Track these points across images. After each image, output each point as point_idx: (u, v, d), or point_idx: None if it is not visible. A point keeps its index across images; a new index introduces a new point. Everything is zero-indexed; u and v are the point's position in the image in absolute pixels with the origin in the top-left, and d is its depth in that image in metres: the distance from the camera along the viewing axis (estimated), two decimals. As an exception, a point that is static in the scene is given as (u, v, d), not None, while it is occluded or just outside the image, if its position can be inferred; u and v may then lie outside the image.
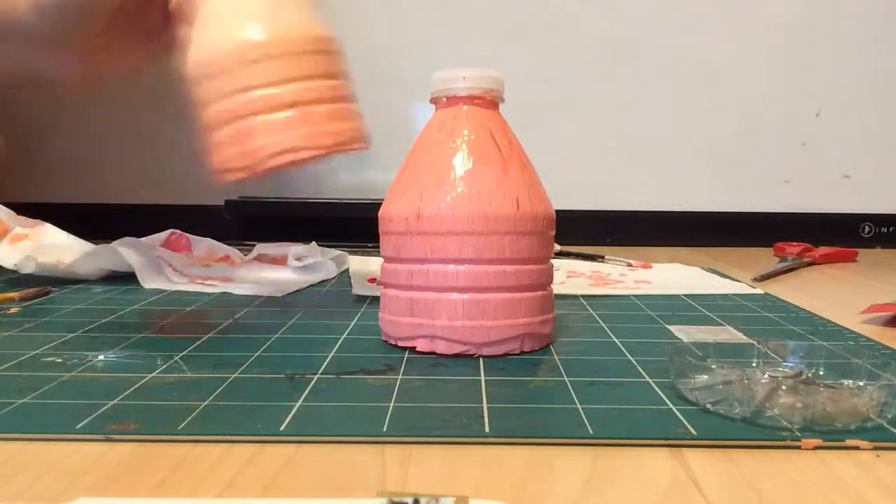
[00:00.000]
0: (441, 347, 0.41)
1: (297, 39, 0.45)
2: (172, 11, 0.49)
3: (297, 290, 0.61)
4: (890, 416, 0.31)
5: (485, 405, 0.33)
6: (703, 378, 0.34)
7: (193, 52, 0.45)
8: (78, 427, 0.29)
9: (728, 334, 0.47)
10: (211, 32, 0.45)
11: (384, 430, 0.30)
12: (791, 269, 0.81)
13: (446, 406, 0.33)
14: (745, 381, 0.33)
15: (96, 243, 0.64)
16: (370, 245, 0.79)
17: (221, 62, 0.44)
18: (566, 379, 0.37)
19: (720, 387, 0.33)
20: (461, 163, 0.41)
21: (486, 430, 0.30)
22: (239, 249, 0.75)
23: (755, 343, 0.40)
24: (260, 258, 0.71)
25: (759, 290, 0.64)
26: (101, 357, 0.40)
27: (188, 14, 0.47)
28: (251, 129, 0.44)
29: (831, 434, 0.29)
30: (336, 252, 0.74)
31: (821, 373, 0.36)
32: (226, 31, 0.45)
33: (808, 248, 0.90)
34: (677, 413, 0.32)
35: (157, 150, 1.08)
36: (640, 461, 0.28)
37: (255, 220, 1.07)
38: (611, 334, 0.47)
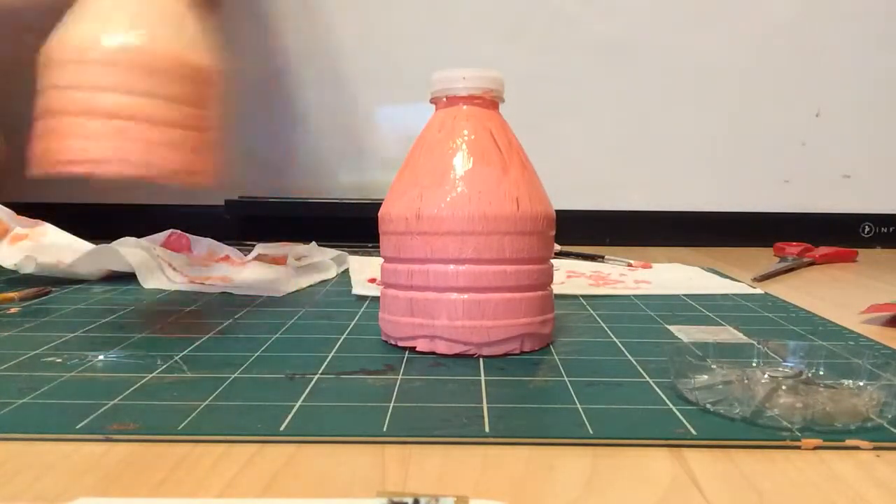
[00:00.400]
0: (441, 347, 0.41)
1: (156, 56, 0.43)
2: None
3: (297, 290, 0.61)
4: (890, 416, 0.31)
5: (485, 405, 0.33)
6: (703, 378, 0.34)
7: (52, 37, 0.44)
8: (78, 427, 0.29)
9: (728, 334, 0.47)
10: (76, 24, 0.44)
11: (384, 430, 0.30)
12: (791, 269, 0.81)
13: (446, 406, 0.33)
14: (745, 381, 0.33)
15: (96, 243, 0.64)
16: (370, 245, 0.79)
17: (64, 53, 0.43)
18: (566, 379, 0.37)
19: (720, 387, 0.33)
20: (461, 163, 0.41)
21: (486, 430, 0.30)
22: (239, 249, 0.74)
23: (755, 343, 0.40)
24: (260, 258, 0.71)
25: (759, 290, 0.64)
26: (101, 357, 0.40)
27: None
28: (59, 128, 0.42)
29: (831, 434, 0.29)
30: (336, 252, 0.74)
31: (821, 373, 0.36)
32: (88, 26, 0.43)
33: (808, 248, 0.90)
34: (677, 413, 0.32)
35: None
36: (640, 461, 0.28)
37: (255, 220, 1.07)
38: (611, 334, 0.47)
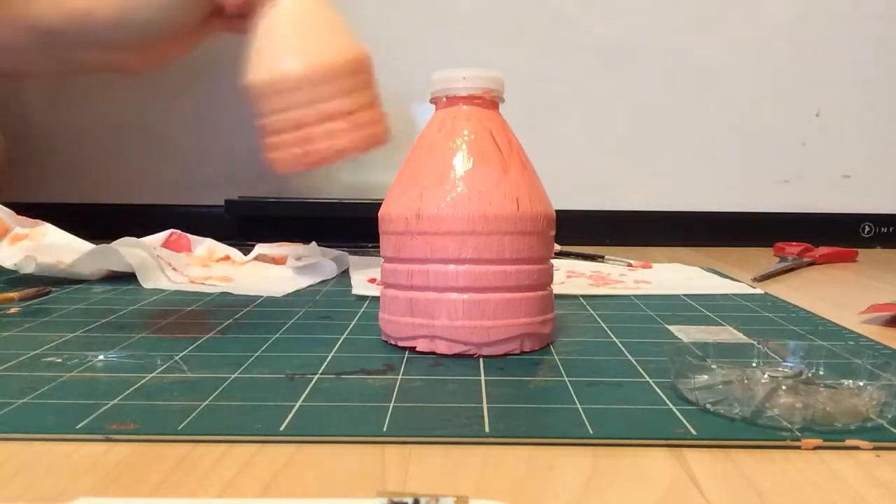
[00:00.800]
0: (441, 347, 0.41)
1: (330, 66, 0.58)
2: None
3: (297, 290, 0.61)
4: (890, 416, 0.31)
5: (485, 405, 0.33)
6: (703, 378, 0.34)
7: (247, 74, 0.60)
8: (78, 427, 0.29)
9: (728, 334, 0.47)
10: (260, 61, 0.59)
11: (384, 430, 0.30)
12: (791, 269, 0.81)
13: (446, 406, 0.33)
14: (745, 381, 0.33)
15: (96, 243, 0.64)
16: (370, 245, 0.79)
17: (267, 88, 0.59)
18: (566, 379, 0.37)
19: (720, 387, 0.33)
20: (461, 163, 0.41)
21: (486, 430, 0.30)
22: (239, 249, 0.74)
23: (755, 343, 0.40)
24: (260, 258, 0.71)
25: (759, 290, 0.64)
26: (101, 357, 0.40)
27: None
28: (312, 135, 0.59)
29: (831, 434, 0.29)
30: (336, 252, 0.74)
31: (821, 373, 0.36)
32: (272, 60, 0.59)
33: (808, 248, 0.90)
34: (677, 413, 0.32)
35: (158, 150, 1.08)
36: (640, 461, 0.28)
37: (255, 220, 1.07)
38: (611, 334, 0.47)
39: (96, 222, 0.87)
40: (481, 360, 0.40)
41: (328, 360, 0.40)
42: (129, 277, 0.63)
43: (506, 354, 0.41)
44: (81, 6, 0.62)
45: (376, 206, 0.44)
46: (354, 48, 0.61)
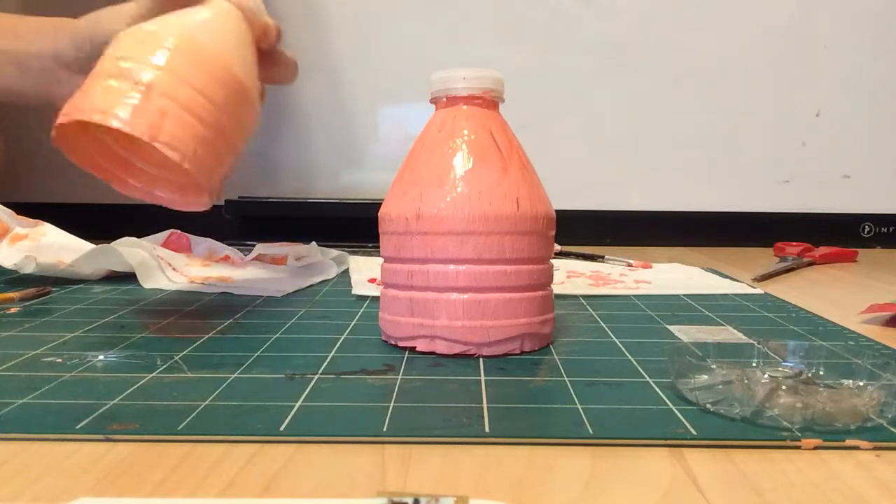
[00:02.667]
0: (441, 347, 0.41)
1: (212, 57, 0.46)
2: None
3: (297, 290, 0.61)
4: (890, 416, 0.31)
5: (485, 405, 0.33)
6: (703, 378, 0.34)
7: (141, 24, 0.48)
8: (78, 427, 0.29)
9: (728, 334, 0.47)
10: (158, 22, 0.47)
11: (384, 430, 0.30)
12: (791, 269, 0.81)
13: (446, 406, 0.33)
14: (745, 381, 0.33)
15: (96, 243, 0.64)
16: (370, 245, 0.79)
17: (130, 31, 0.46)
18: (566, 379, 0.37)
19: (720, 387, 0.33)
20: (461, 163, 0.41)
21: (486, 430, 0.30)
22: (239, 249, 0.75)
23: (755, 343, 0.40)
24: (260, 258, 0.71)
25: (759, 290, 0.64)
26: (101, 357, 0.40)
27: None
28: (95, 85, 0.44)
29: (831, 434, 0.29)
30: (336, 252, 0.74)
31: (821, 373, 0.36)
32: (160, 21, 0.47)
33: (808, 248, 0.90)
34: (677, 413, 0.32)
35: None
36: (640, 461, 0.28)
37: (255, 220, 1.07)
38: (611, 334, 0.47)
39: (96, 222, 0.87)
40: (481, 360, 0.40)
41: (328, 360, 0.40)
42: (129, 277, 0.63)
43: (506, 354, 0.41)
44: None
45: (376, 206, 0.44)
46: (246, 76, 0.48)
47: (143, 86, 0.43)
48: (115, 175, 0.53)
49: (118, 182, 0.53)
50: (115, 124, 0.42)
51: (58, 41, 0.58)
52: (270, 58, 0.55)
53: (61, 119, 0.44)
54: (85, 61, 0.54)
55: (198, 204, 0.50)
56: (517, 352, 0.41)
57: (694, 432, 0.29)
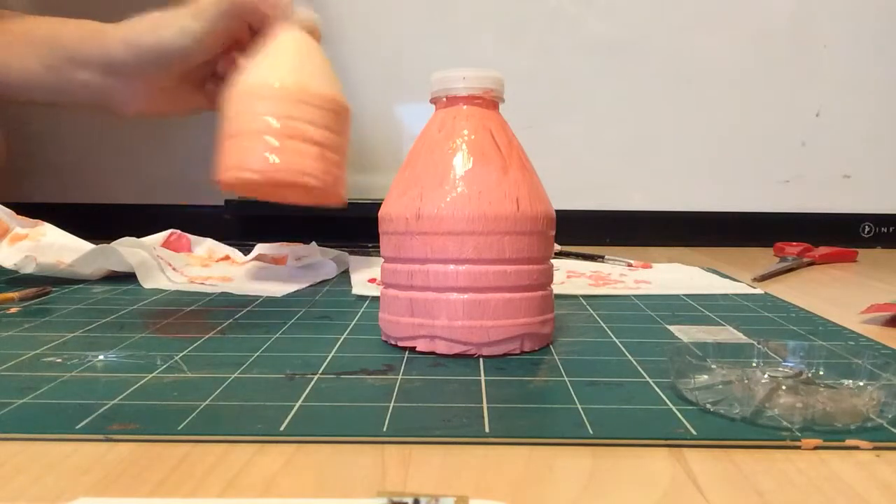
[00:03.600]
0: (441, 347, 0.41)
1: (314, 93, 0.54)
2: (229, 67, 0.61)
3: (297, 290, 0.61)
4: (890, 416, 0.31)
5: (485, 405, 0.33)
6: (703, 378, 0.34)
7: (233, 80, 0.56)
8: (78, 427, 0.29)
9: (728, 334, 0.47)
10: (253, 70, 0.55)
11: (384, 430, 0.30)
12: (791, 269, 0.81)
13: (446, 406, 0.33)
14: (745, 381, 0.33)
15: (96, 243, 0.64)
16: (370, 245, 0.79)
17: (244, 90, 0.54)
18: (566, 379, 0.37)
19: (720, 387, 0.33)
20: (461, 163, 0.41)
21: (486, 430, 0.30)
22: (239, 249, 0.75)
23: (755, 343, 0.40)
24: (260, 258, 0.71)
25: (759, 290, 0.64)
26: (101, 357, 0.40)
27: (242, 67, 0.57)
28: (243, 143, 0.53)
29: (831, 434, 0.29)
30: (336, 252, 0.74)
31: (821, 373, 0.36)
32: (263, 72, 0.55)
33: (808, 248, 0.90)
34: (677, 413, 0.32)
35: (158, 150, 1.08)
36: (640, 461, 0.28)
37: (255, 220, 1.07)
38: (611, 334, 0.47)
39: (96, 222, 0.87)
40: (481, 360, 0.40)
41: (328, 360, 0.40)
42: (129, 277, 0.63)
43: (506, 354, 0.41)
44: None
45: (376, 206, 0.44)
46: (341, 95, 0.58)
47: (277, 138, 0.52)
48: (272, 194, 0.60)
49: (274, 197, 0.61)
50: (269, 173, 0.52)
51: (107, 48, 0.59)
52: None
53: (227, 176, 0.54)
54: (140, 69, 0.59)
55: (336, 204, 0.59)
56: (517, 352, 0.41)
57: (694, 432, 0.29)
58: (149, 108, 0.65)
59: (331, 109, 0.55)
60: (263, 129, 0.52)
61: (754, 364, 0.38)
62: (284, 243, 0.74)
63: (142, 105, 0.65)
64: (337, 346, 0.43)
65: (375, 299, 0.53)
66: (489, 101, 0.44)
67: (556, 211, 0.44)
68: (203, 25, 0.57)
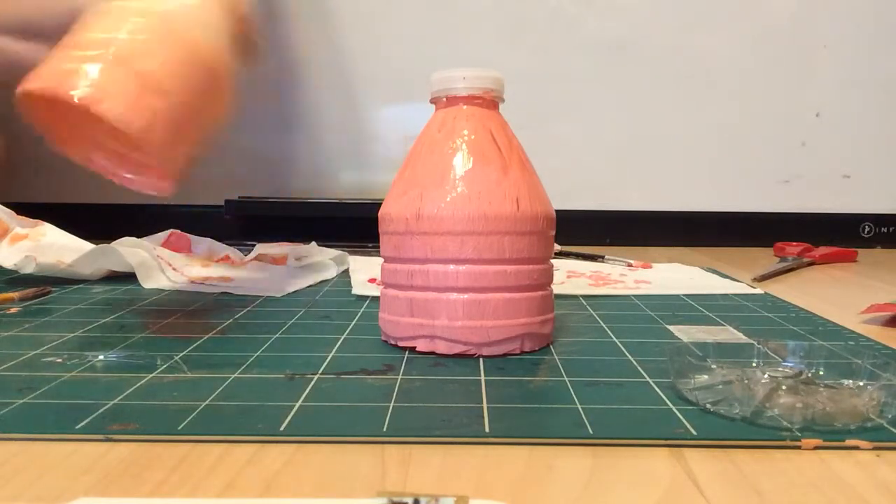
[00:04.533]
0: (441, 347, 0.41)
1: (173, 34, 0.45)
2: None
3: (296, 290, 0.61)
4: (890, 416, 0.31)
5: (485, 405, 0.33)
6: (703, 378, 0.34)
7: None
8: (78, 427, 0.29)
9: (728, 334, 0.47)
10: None
11: (384, 430, 0.30)
12: (791, 269, 0.81)
13: (446, 406, 0.33)
14: (745, 381, 0.33)
15: (96, 243, 0.64)
16: (370, 245, 0.79)
17: (95, 8, 0.45)
18: (566, 379, 0.37)
19: (720, 387, 0.33)
20: (461, 163, 0.41)
21: (486, 430, 0.30)
22: (239, 249, 0.74)
23: (755, 343, 0.40)
24: (260, 258, 0.71)
25: (759, 290, 0.64)
26: (101, 357, 0.40)
27: None
28: (62, 54, 0.44)
29: (831, 434, 0.29)
30: (336, 252, 0.74)
31: (821, 373, 0.36)
32: None
33: (808, 248, 0.90)
34: (677, 413, 0.32)
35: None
36: (640, 461, 0.28)
37: (255, 220, 1.07)
38: (611, 334, 0.47)
39: (96, 222, 0.87)
40: (481, 360, 0.40)
41: (328, 360, 0.40)
42: (129, 277, 0.63)
43: (506, 354, 0.41)
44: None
45: (376, 206, 0.44)
46: (222, 64, 0.48)
47: (106, 55, 0.42)
48: (80, 150, 0.51)
49: (83, 157, 0.51)
50: (70, 93, 0.42)
51: (22, 9, 0.55)
52: (242, 44, 0.53)
53: (22, 88, 0.43)
54: (56, 31, 0.50)
55: (160, 188, 0.49)
56: (517, 352, 0.41)
57: (694, 432, 0.29)
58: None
59: (190, 62, 0.45)
60: (102, 48, 0.43)
61: (754, 364, 0.38)
62: (284, 243, 0.74)
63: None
64: (337, 346, 0.43)
65: (375, 299, 0.53)
66: (489, 101, 0.44)
67: (556, 211, 0.44)
68: None
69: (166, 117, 0.44)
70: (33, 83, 0.43)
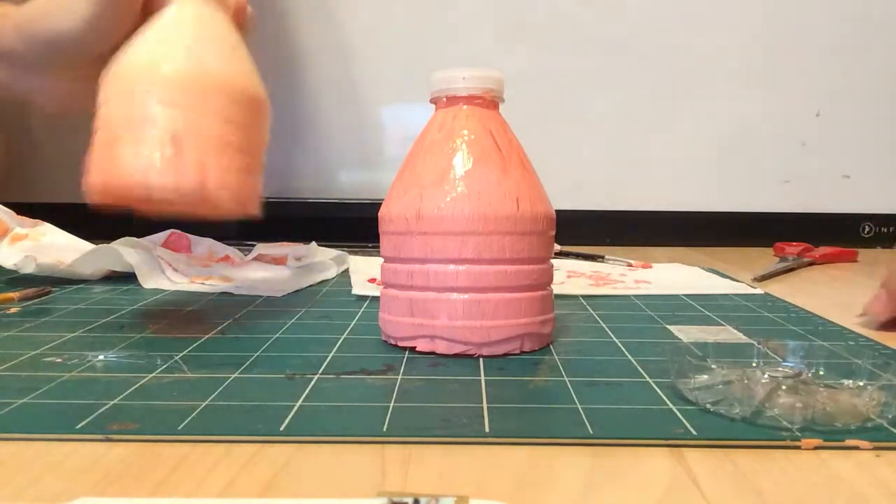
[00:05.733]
0: (441, 347, 0.41)
1: (211, 79, 0.43)
2: None
3: (297, 290, 0.61)
4: (890, 416, 0.31)
5: (485, 405, 0.33)
6: (703, 378, 0.34)
7: (112, 61, 0.44)
8: (78, 427, 0.29)
9: (728, 334, 0.47)
10: (136, 48, 0.44)
11: (384, 430, 0.30)
12: (791, 269, 0.81)
13: (446, 406, 0.33)
14: (745, 381, 0.33)
15: (96, 243, 0.64)
16: (370, 245, 0.79)
17: (122, 74, 0.43)
18: (566, 379, 0.37)
19: (720, 387, 0.34)
20: (461, 163, 0.41)
21: (486, 430, 0.30)
22: (239, 249, 0.74)
23: (755, 343, 0.40)
24: (260, 258, 0.71)
25: (759, 290, 0.64)
26: (101, 357, 0.40)
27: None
28: (112, 139, 0.42)
29: (831, 434, 0.29)
30: (336, 252, 0.74)
31: (821, 373, 0.36)
32: (147, 49, 0.44)
33: (808, 248, 0.90)
34: (677, 413, 0.32)
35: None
36: (640, 461, 0.28)
37: (256, 220, 1.07)
38: (611, 334, 0.47)
39: (96, 222, 0.87)
40: (481, 360, 0.40)
41: (328, 360, 0.40)
42: (129, 277, 0.63)
43: (506, 354, 0.41)
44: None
45: (376, 206, 0.44)
46: (256, 84, 0.46)
47: (172, 136, 0.41)
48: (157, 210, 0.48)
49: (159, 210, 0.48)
50: (159, 187, 0.41)
51: (0, 37, 0.51)
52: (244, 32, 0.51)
53: (94, 182, 0.42)
54: (35, 59, 0.51)
55: (244, 216, 0.48)
56: (517, 352, 0.41)
57: (694, 432, 0.29)
58: (68, 103, 0.57)
59: (240, 102, 0.44)
60: (146, 123, 0.41)
61: (754, 364, 0.38)
62: (284, 243, 0.74)
63: (59, 100, 0.56)
64: (337, 346, 0.43)
65: (375, 299, 0.53)
66: (489, 101, 0.44)
67: (556, 211, 0.44)
68: (94, 8, 0.48)
69: (244, 169, 0.44)
70: (112, 178, 0.41)
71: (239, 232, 1.03)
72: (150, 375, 0.36)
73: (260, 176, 0.47)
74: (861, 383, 0.34)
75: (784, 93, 1.07)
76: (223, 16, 0.47)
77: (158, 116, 0.41)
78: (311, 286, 0.64)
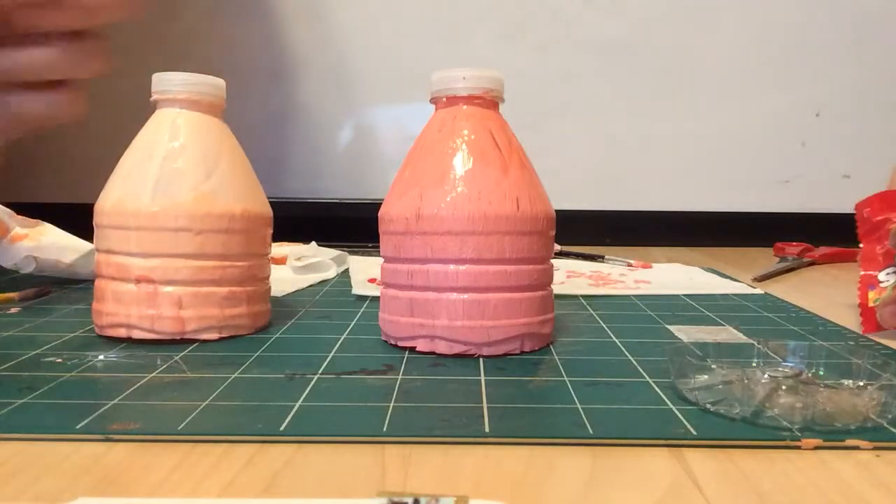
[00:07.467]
0: (441, 347, 0.41)
1: (214, 212, 0.43)
2: None
3: (296, 290, 0.61)
4: (890, 416, 0.31)
5: (485, 405, 0.33)
6: (703, 378, 0.34)
7: (103, 195, 0.45)
8: (78, 427, 0.29)
9: (728, 334, 0.47)
10: (120, 185, 0.45)
11: (384, 430, 0.30)
12: (791, 269, 0.81)
13: (446, 406, 0.33)
14: (745, 381, 0.33)
15: (96, 243, 0.64)
16: (370, 245, 0.79)
17: (106, 219, 0.44)
18: (566, 379, 0.37)
19: (720, 387, 0.33)
20: (461, 163, 0.41)
21: (486, 430, 0.30)
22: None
23: (755, 343, 0.40)
24: (260, 258, 0.71)
25: (759, 290, 0.64)
26: (101, 357, 0.40)
27: None
28: (100, 291, 0.44)
29: (831, 434, 0.29)
30: (336, 252, 0.74)
31: (821, 373, 0.36)
32: (131, 188, 0.44)
33: (808, 248, 0.90)
34: (677, 413, 0.32)
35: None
36: (640, 461, 0.28)
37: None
38: (611, 334, 0.47)
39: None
40: (481, 360, 0.40)
41: (328, 360, 0.40)
42: (129, 277, 0.63)
43: (506, 354, 0.41)
44: None
45: (376, 206, 0.44)
46: (261, 202, 0.49)
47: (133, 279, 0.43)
48: None
49: None
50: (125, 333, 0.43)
51: None
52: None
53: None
54: None
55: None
56: (517, 352, 0.41)
57: (694, 432, 0.29)
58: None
59: (232, 228, 0.44)
60: (116, 273, 0.42)
61: (754, 364, 0.38)
62: (284, 243, 0.74)
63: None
64: (337, 346, 0.43)
65: (375, 299, 0.53)
66: (489, 101, 0.44)
67: (556, 211, 0.44)
68: None
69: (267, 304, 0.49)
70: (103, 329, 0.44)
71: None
72: (150, 375, 0.36)
73: (268, 300, 0.49)
74: (861, 383, 0.34)
75: (784, 93, 1.07)
76: (215, 120, 0.48)
77: (136, 267, 0.43)
78: (311, 286, 0.64)
